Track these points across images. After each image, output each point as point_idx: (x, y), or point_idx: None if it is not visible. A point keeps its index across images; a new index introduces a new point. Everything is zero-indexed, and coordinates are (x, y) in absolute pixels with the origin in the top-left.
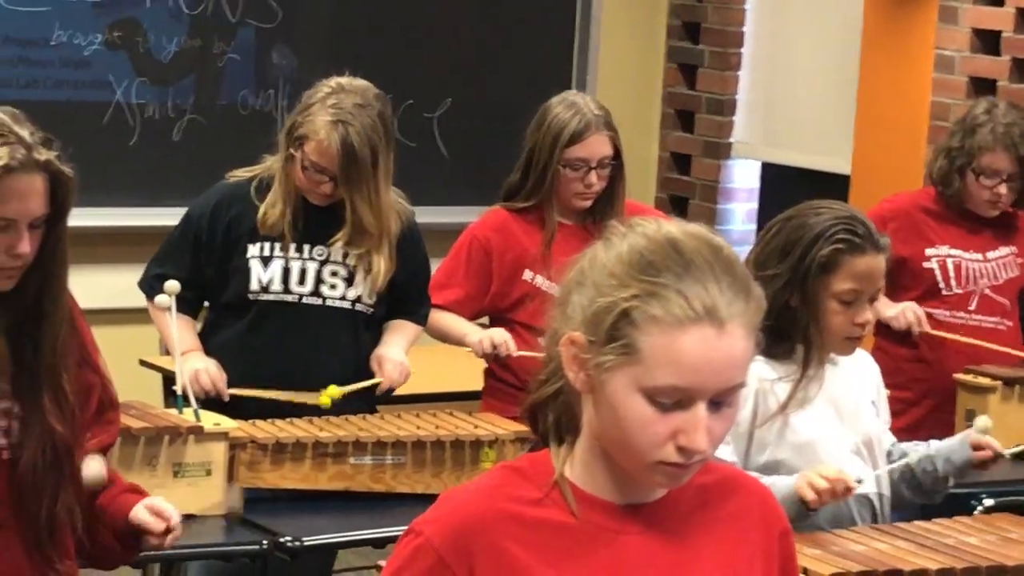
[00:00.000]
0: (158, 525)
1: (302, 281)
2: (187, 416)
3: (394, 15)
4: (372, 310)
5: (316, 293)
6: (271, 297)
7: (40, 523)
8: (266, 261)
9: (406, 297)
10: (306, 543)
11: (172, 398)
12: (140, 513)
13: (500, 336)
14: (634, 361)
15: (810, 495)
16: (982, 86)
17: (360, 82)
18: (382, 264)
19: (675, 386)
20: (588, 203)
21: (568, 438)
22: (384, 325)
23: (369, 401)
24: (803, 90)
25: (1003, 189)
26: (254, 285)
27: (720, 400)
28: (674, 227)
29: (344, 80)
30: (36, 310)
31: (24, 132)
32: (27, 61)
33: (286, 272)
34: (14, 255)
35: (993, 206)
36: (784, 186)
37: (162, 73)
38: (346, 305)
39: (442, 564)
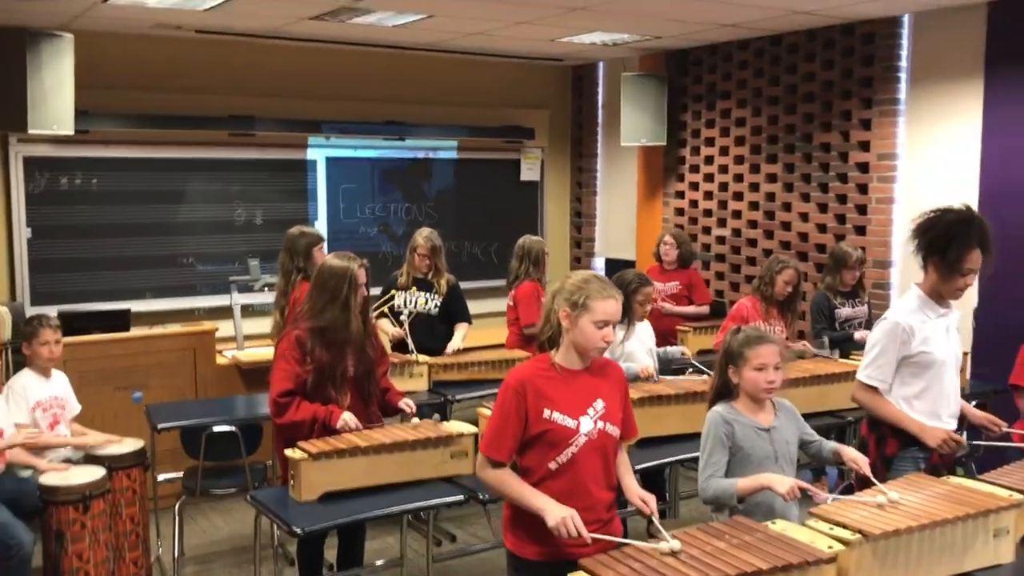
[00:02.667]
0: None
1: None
2: None
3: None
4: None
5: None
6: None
7: (365, 395)
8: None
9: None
10: None
11: None
12: (401, 403)
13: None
14: (590, 312)
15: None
16: (680, 213)
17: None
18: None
19: (603, 320)
20: None
21: (553, 349)
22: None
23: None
24: (614, 224)
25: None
26: None
27: (614, 328)
28: (589, 272)
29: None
30: (364, 316)
31: None
32: None
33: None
34: None
35: None
36: (615, 269)
37: None
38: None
39: (520, 389)
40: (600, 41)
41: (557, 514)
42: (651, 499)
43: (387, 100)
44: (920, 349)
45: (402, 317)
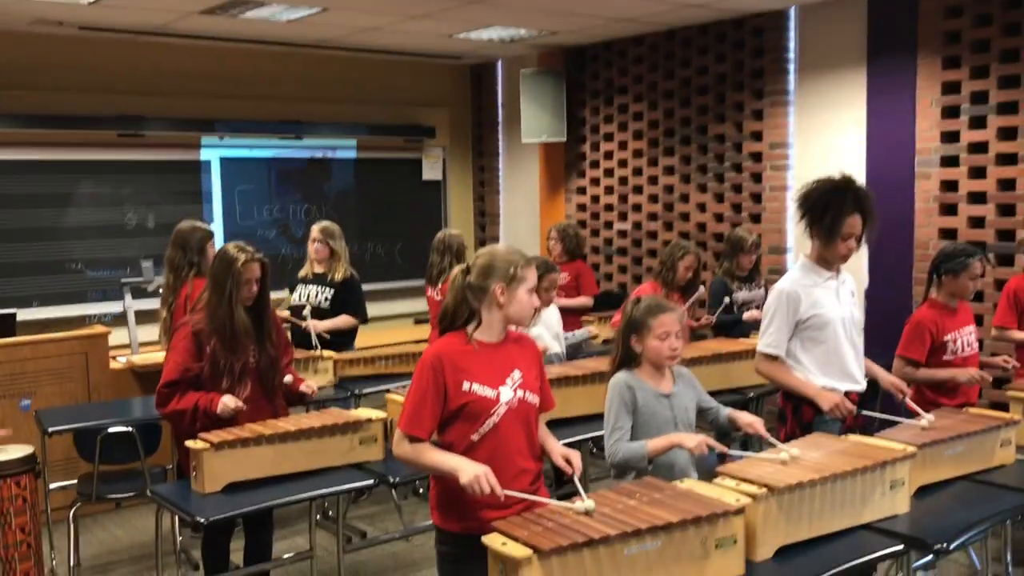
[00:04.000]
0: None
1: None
2: None
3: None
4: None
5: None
6: None
7: (269, 387)
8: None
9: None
10: None
11: None
12: (302, 387)
13: None
14: (524, 282)
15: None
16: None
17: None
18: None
19: (534, 286)
20: None
21: (469, 327)
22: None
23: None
24: (518, 221)
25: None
26: None
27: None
28: (496, 246)
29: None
30: (261, 310)
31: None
32: None
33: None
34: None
35: None
36: None
37: None
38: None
39: (437, 364)
40: (498, 37)
41: (470, 471)
42: (575, 456)
43: (283, 99)
44: (812, 312)
45: (304, 312)
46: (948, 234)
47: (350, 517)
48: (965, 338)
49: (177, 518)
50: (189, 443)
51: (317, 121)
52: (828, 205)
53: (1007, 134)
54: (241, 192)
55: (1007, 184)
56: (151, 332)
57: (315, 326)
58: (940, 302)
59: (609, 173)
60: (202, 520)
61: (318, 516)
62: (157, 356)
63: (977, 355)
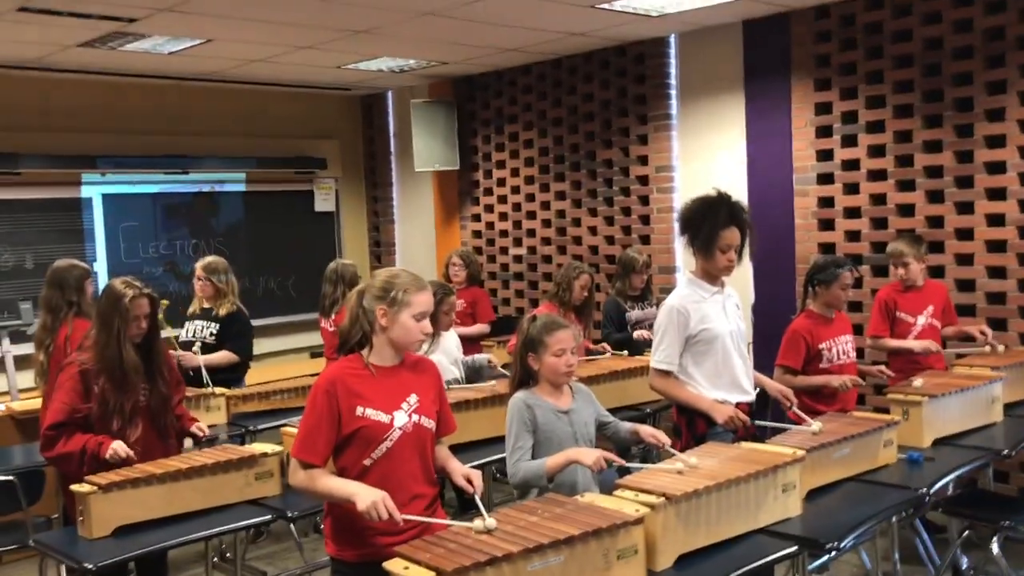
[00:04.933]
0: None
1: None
2: None
3: None
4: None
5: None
6: None
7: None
8: None
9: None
10: None
11: None
12: (193, 428)
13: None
14: (409, 307)
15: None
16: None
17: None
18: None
19: (421, 312)
20: None
21: (363, 350)
22: None
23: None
24: (413, 250)
25: None
26: None
27: (429, 319)
28: (395, 268)
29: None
30: (151, 347)
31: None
32: None
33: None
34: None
35: None
36: None
37: None
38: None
39: (330, 389)
40: (387, 68)
41: (368, 497)
42: (476, 476)
43: (168, 133)
44: (701, 327)
45: (194, 348)
46: (827, 248)
47: (249, 558)
48: (841, 346)
49: (64, 568)
50: (74, 487)
51: (204, 155)
52: (703, 220)
53: (876, 151)
54: (125, 229)
55: (879, 199)
56: (31, 377)
57: (189, 361)
58: (815, 312)
59: (503, 200)
60: (90, 567)
61: (215, 558)
62: (38, 402)
63: (854, 363)
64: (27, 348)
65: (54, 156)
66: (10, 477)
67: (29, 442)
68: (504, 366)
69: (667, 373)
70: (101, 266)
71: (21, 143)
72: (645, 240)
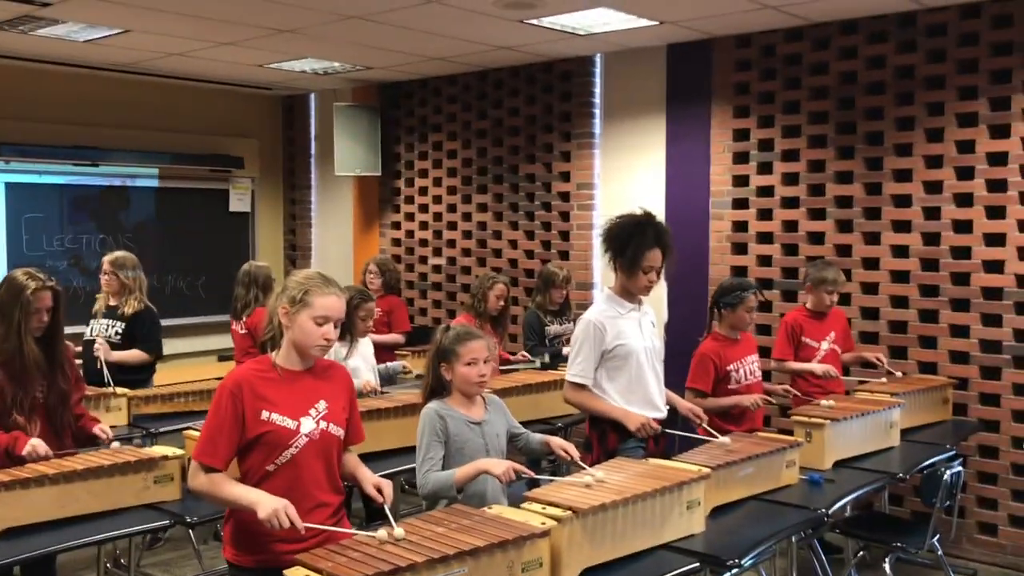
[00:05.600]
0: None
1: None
2: None
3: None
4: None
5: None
6: None
7: (58, 425)
8: None
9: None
10: None
11: None
12: (96, 429)
13: None
14: (309, 308)
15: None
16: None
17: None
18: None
19: (324, 316)
20: None
21: (275, 351)
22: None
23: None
24: (330, 255)
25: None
26: None
27: (336, 324)
28: (313, 270)
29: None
30: (53, 341)
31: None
32: None
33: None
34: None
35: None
36: None
37: None
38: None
39: (236, 391)
40: (311, 69)
41: (269, 505)
42: (387, 486)
43: (78, 123)
44: (616, 343)
45: (96, 346)
46: (739, 271)
47: (144, 564)
48: (748, 367)
49: None
50: None
51: (115, 147)
52: (630, 239)
53: (790, 179)
54: (29, 220)
55: (791, 225)
56: None
57: (105, 354)
58: (722, 334)
59: (424, 209)
60: None
61: (108, 564)
62: None
63: (761, 383)
64: None
65: None
66: None
67: None
68: (419, 376)
69: (582, 386)
70: (2, 259)
71: None
72: (564, 256)
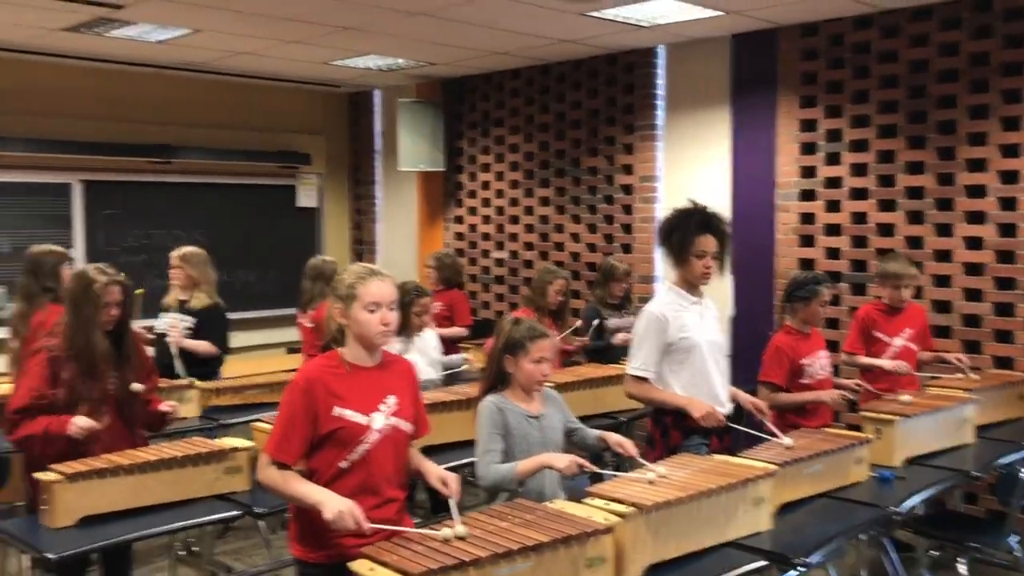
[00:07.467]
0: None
1: None
2: None
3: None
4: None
5: None
6: None
7: (128, 417)
8: None
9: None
10: None
11: None
12: (163, 406)
13: None
14: (358, 299)
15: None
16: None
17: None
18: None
19: (373, 302)
20: None
21: (341, 348)
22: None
23: None
24: (395, 249)
25: None
26: None
27: (391, 307)
28: (357, 264)
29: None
30: (122, 335)
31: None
32: None
33: None
34: None
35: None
36: None
37: None
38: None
39: (308, 388)
40: (375, 65)
41: (335, 506)
42: (452, 479)
43: (152, 122)
44: (680, 335)
45: (168, 338)
46: (806, 264)
47: (215, 552)
48: (820, 362)
49: (27, 558)
50: (39, 475)
51: (188, 145)
52: (677, 227)
53: (858, 170)
54: (107, 216)
55: (859, 217)
56: (3, 361)
57: (177, 341)
58: (794, 328)
59: (486, 203)
60: (52, 557)
61: (181, 551)
62: (9, 387)
63: (831, 379)
64: (1, 332)
65: (37, 140)
66: None
67: None
68: (483, 369)
69: (643, 379)
70: (79, 253)
71: (6, 126)
72: (627, 249)
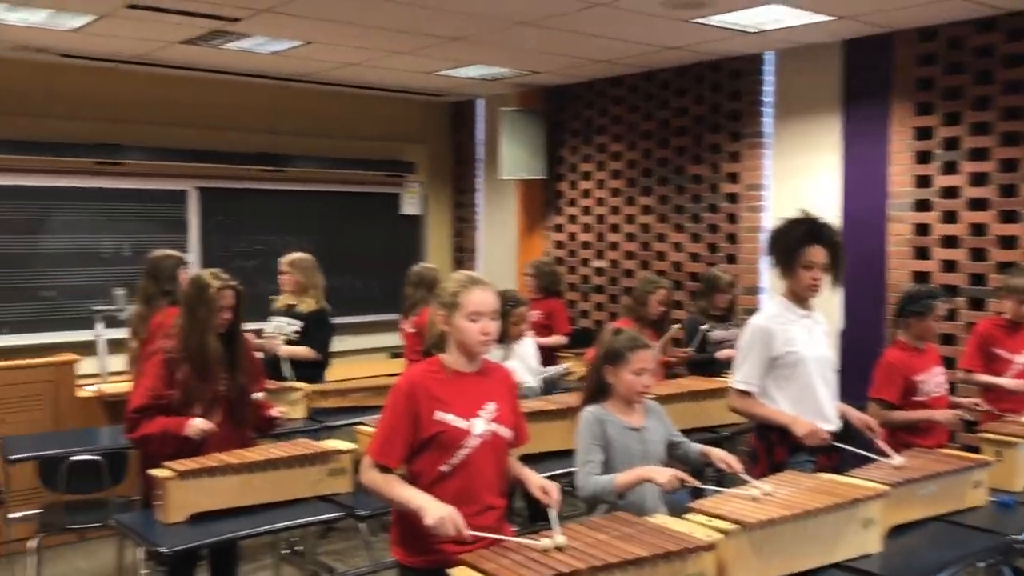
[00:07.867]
0: (280, 414)
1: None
2: None
3: None
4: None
5: None
6: None
7: (238, 418)
8: None
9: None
10: None
11: None
12: (273, 411)
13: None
14: (460, 308)
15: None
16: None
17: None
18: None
19: (476, 312)
20: None
21: (442, 354)
22: None
23: None
24: (495, 257)
25: None
26: None
27: (492, 317)
28: (460, 272)
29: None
30: (234, 339)
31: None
32: None
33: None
34: None
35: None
36: None
37: None
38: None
39: (411, 392)
40: (479, 75)
41: (436, 512)
42: (553, 488)
43: (265, 131)
44: (786, 349)
45: (278, 339)
46: (920, 277)
47: (318, 553)
48: (935, 379)
49: (141, 551)
50: (153, 471)
51: (297, 154)
52: (785, 238)
53: (978, 180)
54: (220, 222)
55: (978, 229)
56: (123, 361)
57: (275, 348)
58: (908, 343)
59: (587, 211)
60: (165, 550)
61: (285, 550)
62: (128, 385)
63: (945, 397)
64: (120, 332)
65: (154, 148)
66: (96, 457)
67: (116, 424)
68: (582, 379)
69: (747, 393)
70: (194, 258)
71: (125, 135)
72: (731, 259)
